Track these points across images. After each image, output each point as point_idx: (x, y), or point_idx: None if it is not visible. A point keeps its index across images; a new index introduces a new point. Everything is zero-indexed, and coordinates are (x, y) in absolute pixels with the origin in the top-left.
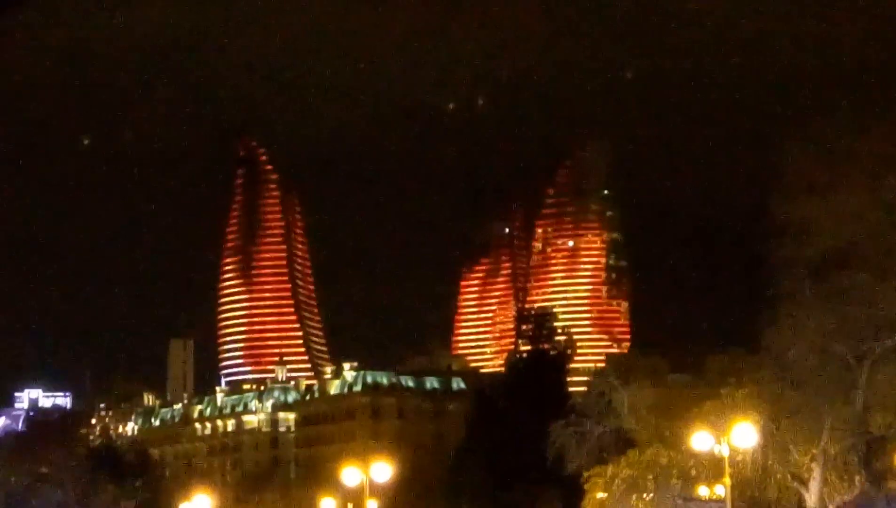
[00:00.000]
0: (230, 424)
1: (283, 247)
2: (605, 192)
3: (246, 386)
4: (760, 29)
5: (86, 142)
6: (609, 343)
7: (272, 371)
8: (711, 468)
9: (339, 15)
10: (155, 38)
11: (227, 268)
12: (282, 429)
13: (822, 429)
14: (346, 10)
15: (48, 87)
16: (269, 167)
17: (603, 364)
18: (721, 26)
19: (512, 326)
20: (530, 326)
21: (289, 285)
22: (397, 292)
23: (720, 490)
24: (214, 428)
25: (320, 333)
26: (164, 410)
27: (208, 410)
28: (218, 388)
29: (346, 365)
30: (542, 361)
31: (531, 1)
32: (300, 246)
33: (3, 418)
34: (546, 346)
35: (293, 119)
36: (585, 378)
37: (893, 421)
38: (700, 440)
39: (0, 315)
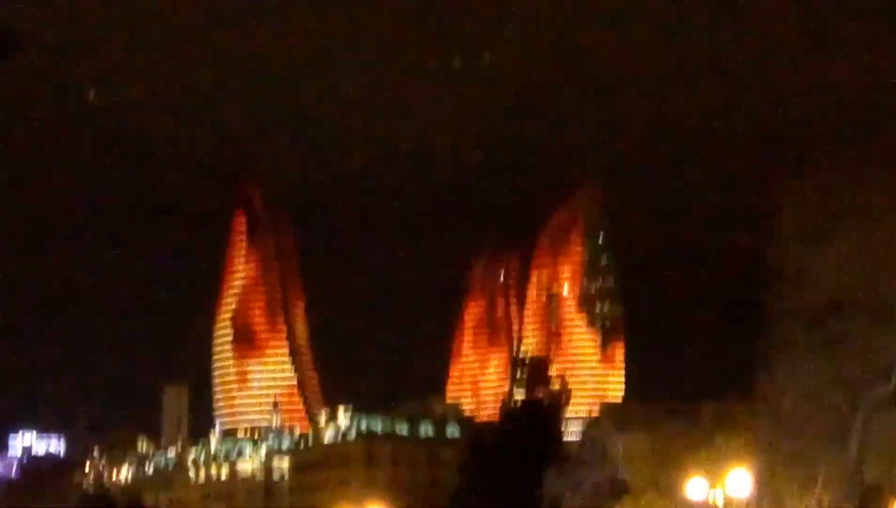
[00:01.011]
0: (224, 471)
1: (279, 292)
2: (601, 238)
3: (240, 433)
4: (760, 75)
5: (79, 183)
6: (603, 391)
7: (267, 418)
8: None
9: (332, 53)
10: (148, 76)
11: (221, 313)
12: (276, 477)
13: (817, 478)
14: (340, 48)
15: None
16: (265, 212)
17: (597, 412)
18: (720, 71)
19: (506, 373)
20: (524, 373)
21: (284, 330)
22: (392, 337)
23: None
24: (208, 475)
25: (315, 379)
26: (157, 456)
27: (202, 456)
28: (212, 434)
29: (341, 408)
30: (536, 408)
31: (524, 47)
32: (296, 291)
33: None
34: (540, 393)
35: (287, 163)
36: (580, 427)
37: (888, 470)
38: (694, 487)
39: None
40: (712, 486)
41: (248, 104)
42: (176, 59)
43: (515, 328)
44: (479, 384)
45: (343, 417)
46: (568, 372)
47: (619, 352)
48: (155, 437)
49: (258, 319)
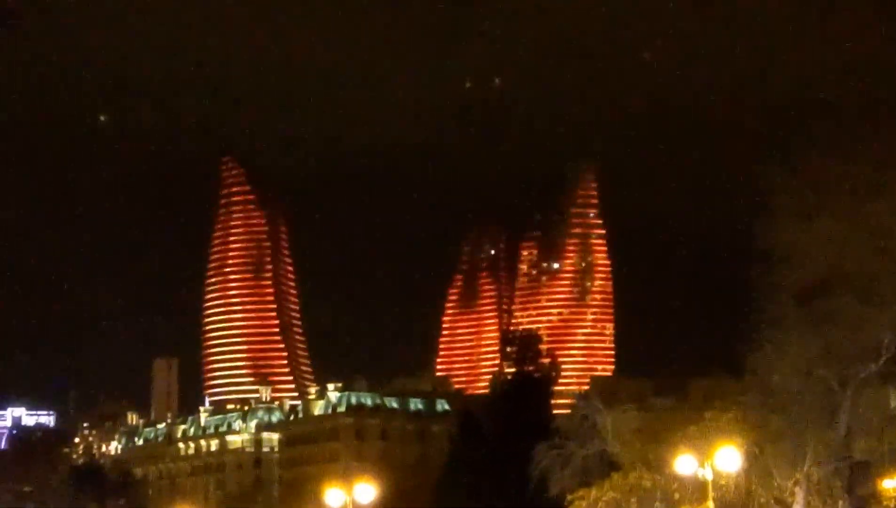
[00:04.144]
0: (214, 444)
1: (269, 267)
2: (591, 215)
3: (230, 406)
4: (749, 56)
5: (71, 162)
6: (593, 366)
7: (256, 392)
8: (695, 491)
9: (325, 38)
10: (139, 58)
11: (211, 287)
12: (265, 450)
13: (806, 454)
14: (334, 33)
15: (25, 107)
16: (255, 188)
17: (587, 387)
18: (709, 54)
19: (496, 348)
20: (515, 348)
21: (274, 306)
22: (382, 313)
23: None
24: (198, 448)
25: (305, 353)
26: (147, 429)
27: (192, 430)
28: (202, 408)
29: (331, 386)
30: (526, 383)
31: (521, 26)
32: (285, 266)
33: None
34: (530, 368)
35: (279, 140)
36: (570, 401)
37: (877, 446)
38: (684, 463)
39: None
40: (701, 462)
41: (241, 86)
42: (168, 33)
43: (505, 303)
44: (469, 359)
45: (333, 391)
46: (558, 348)
47: (609, 328)
48: (144, 411)
49: (248, 293)
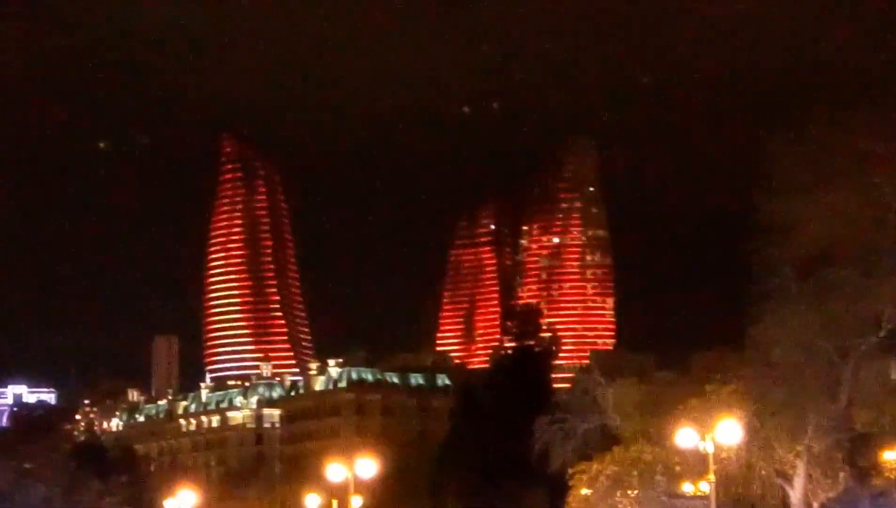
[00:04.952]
0: (215, 420)
1: (269, 244)
2: (591, 189)
3: (231, 383)
4: (748, 29)
5: (68, 140)
6: (594, 340)
7: (257, 368)
8: (696, 464)
9: (334, 15)
10: (146, 36)
11: (212, 265)
12: (266, 425)
13: (807, 426)
14: (342, 10)
15: (38, 86)
16: (255, 164)
17: (588, 361)
18: (709, 27)
19: (496, 322)
20: (515, 322)
21: (274, 282)
22: (382, 288)
23: (705, 486)
24: (199, 424)
25: (306, 330)
26: (148, 406)
27: (193, 406)
28: (203, 384)
29: (331, 362)
30: (526, 357)
31: (521, 4)
32: (286, 243)
33: None
34: (531, 342)
35: (278, 115)
36: (570, 375)
37: (878, 418)
38: (685, 436)
39: None
40: (702, 435)
41: (240, 61)
42: (170, 9)
43: (506, 277)
44: (469, 334)
45: (334, 367)
46: (558, 322)
47: (610, 302)
48: (146, 388)
49: (248, 270)
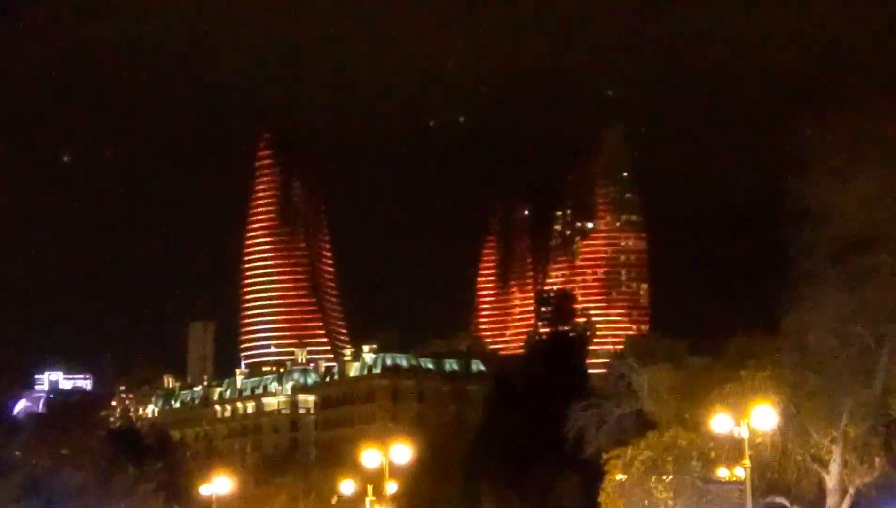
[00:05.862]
0: (250, 406)
1: (305, 230)
2: (625, 175)
3: (266, 369)
4: (782, 12)
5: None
6: (628, 325)
7: (293, 354)
8: (731, 450)
9: (360, 5)
10: (173, 33)
11: (249, 251)
12: (301, 411)
13: (842, 411)
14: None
15: (66, 85)
16: (291, 153)
17: (622, 346)
18: (740, 13)
19: (531, 308)
20: (549, 308)
21: (310, 269)
22: (417, 275)
23: (740, 471)
24: (234, 410)
25: (340, 315)
26: (184, 392)
27: (228, 392)
28: (238, 370)
29: (366, 348)
30: (561, 343)
31: None
32: (321, 229)
33: (24, 400)
34: (565, 328)
35: (316, 107)
36: (605, 360)
37: None
38: (720, 422)
39: (22, 299)
40: (737, 420)
41: (277, 53)
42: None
43: (540, 263)
44: (504, 320)
45: (368, 353)
46: (592, 308)
47: (644, 287)
48: (181, 374)
49: (284, 257)
